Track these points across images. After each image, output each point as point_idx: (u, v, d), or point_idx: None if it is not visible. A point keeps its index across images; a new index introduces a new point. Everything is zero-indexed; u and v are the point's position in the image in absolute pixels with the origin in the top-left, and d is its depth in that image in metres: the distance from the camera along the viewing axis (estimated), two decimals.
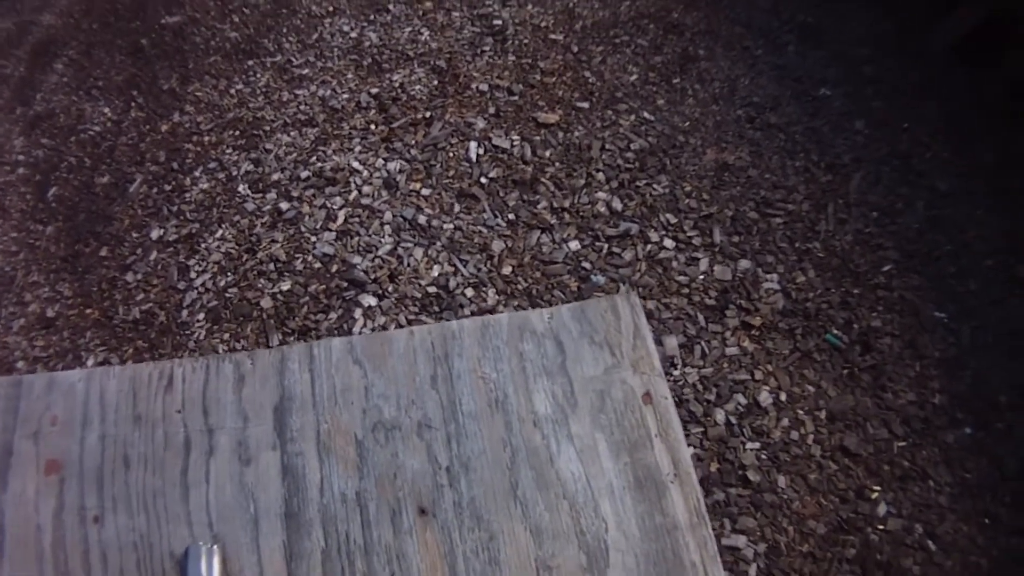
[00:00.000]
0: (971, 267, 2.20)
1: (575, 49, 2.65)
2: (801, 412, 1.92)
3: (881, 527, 1.76)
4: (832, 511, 1.79)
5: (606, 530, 0.91)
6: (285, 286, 2.12)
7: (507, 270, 2.12)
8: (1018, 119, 2.45)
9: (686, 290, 2.09)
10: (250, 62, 2.67)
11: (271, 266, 2.16)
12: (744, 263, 2.15)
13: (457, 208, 2.25)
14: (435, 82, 2.55)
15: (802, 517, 1.78)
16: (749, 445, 1.87)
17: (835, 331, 2.06)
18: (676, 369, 1.98)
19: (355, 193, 2.29)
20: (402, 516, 0.92)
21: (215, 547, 0.88)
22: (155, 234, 2.24)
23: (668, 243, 2.18)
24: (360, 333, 2.02)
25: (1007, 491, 1.82)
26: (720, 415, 1.90)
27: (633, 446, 0.97)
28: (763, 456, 1.85)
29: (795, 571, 1.72)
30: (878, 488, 1.82)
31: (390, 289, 2.10)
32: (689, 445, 1.87)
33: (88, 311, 2.11)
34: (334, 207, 2.27)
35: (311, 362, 1.01)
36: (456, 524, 0.91)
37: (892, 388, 1.97)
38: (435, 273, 2.12)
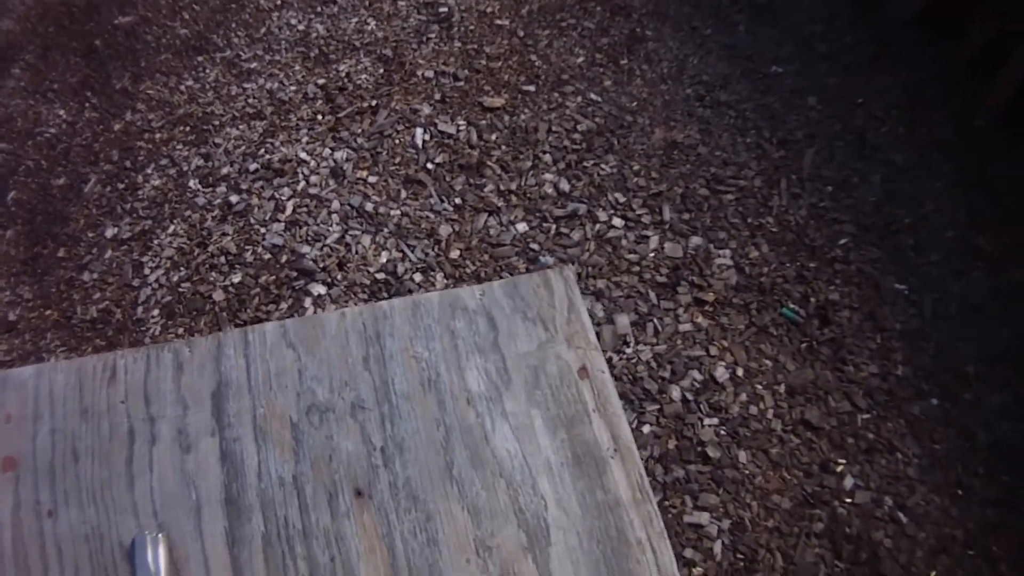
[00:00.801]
0: (931, 240, 2.18)
1: (521, 33, 2.64)
2: (760, 387, 1.89)
3: (849, 500, 1.73)
4: (797, 485, 1.75)
5: (545, 508, 0.90)
6: (236, 278, 2.09)
7: (455, 254, 2.08)
8: (977, 92, 2.44)
9: (636, 268, 2.05)
10: (200, 58, 2.65)
11: (222, 259, 2.14)
12: (695, 240, 2.11)
13: (404, 194, 2.22)
14: (381, 71, 2.53)
15: (766, 492, 1.74)
16: (707, 421, 1.83)
17: (792, 305, 2.02)
18: (629, 347, 1.93)
19: (303, 183, 2.27)
20: (339, 499, 0.91)
21: (160, 536, 0.88)
22: (109, 232, 2.23)
23: (617, 222, 2.14)
24: None
25: (979, 461, 1.79)
26: (676, 392, 1.87)
27: (570, 422, 0.95)
28: (722, 432, 1.82)
29: (762, 546, 1.68)
30: (843, 461, 1.78)
31: (339, 277, 2.07)
32: (645, 423, 1.83)
33: (48, 312, 2.10)
34: (283, 198, 2.25)
35: (246, 347, 1.01)
36: (393, 505, 0.90)
37: (853, 361, 1.94)
38: (383, 259, 2.09)
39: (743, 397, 1.87)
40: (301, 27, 2.70)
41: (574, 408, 0.96)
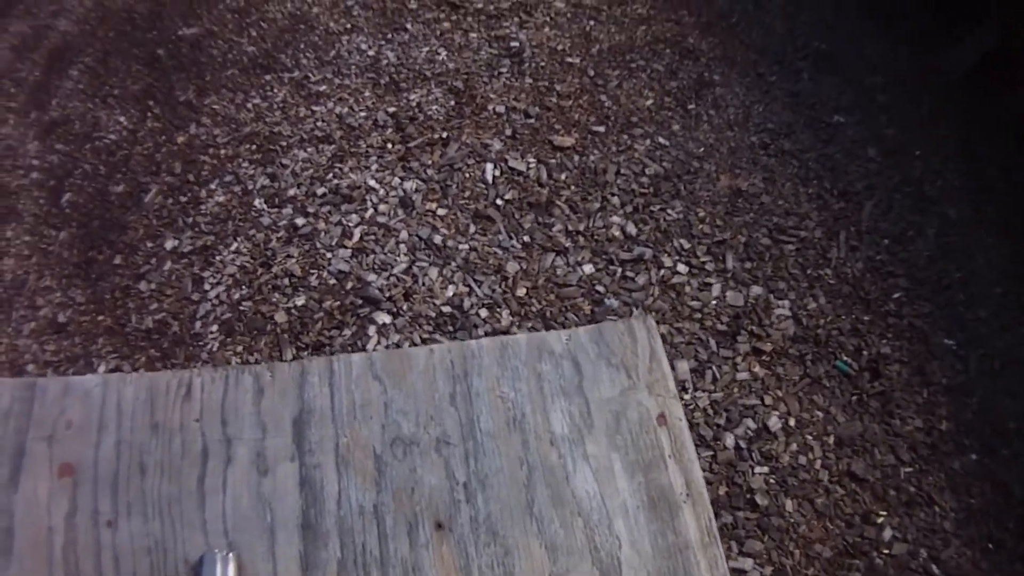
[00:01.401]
0: (980, 295, 2.23)
1: (591, 73, 2.67)
2: (810, 437, 1.94)
3: (886, 552, 1.78)
4: (838, 535, 1.80)
5: (619, 547, 0.93)
6: (300, 301, 2.12)
7: (521, 292, 2.14)
8: None
9: (698, 315, 2.11)
10: (267, 77, 2.69)
11: (286, 281, 2.17)
12: (756, 289, 2.17)
13: (472, 229, 2.27)
14: (452, 102, 2.57)
15: (808, 541, 1.80)
16: (758, 469, 1.88)
17: (845, 357, 2.08)
18: (687, 393, 2.00)
19: (371, 211, 2.31)
20: (419, 530, 0.93)
21: (230, 555, 0.89)
22: (169, 244, 2.25)
23: (681, 268, 2.20)
24: (374, 350, 2.04)
25: (1012, 517, 1.85)
26: (730, 439, 1.92)
27: (647, 466, 0.99)
28: (771, 480, 1.87)
29: None
30: (884, 513, 1.83)
31: (404, 307, 2.11)
32: None
33: (100, 318, 2.11)
34: (350, 224, 2.28)
35: (331, 376, 1.03)
36: (472, 539, 0.93)
37: (900, 414, 1.99)
38: (449, 293, 2.14)
39: (793, 447, 1.92)
40: (371, 53, 2.74)
41: (652, 453, 1.00)
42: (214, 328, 2.09)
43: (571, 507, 0.95)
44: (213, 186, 2.39)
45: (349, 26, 2.84)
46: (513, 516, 0.94)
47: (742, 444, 1.92)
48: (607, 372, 1.05)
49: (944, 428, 1.98)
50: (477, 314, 2.10)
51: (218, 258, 2.22)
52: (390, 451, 0.98)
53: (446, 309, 2.11)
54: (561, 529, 0.94)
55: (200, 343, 2.06)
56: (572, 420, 1.02)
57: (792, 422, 1.96)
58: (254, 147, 2.49)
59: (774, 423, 1.95)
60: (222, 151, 2.48)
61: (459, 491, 0.96)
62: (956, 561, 1.78)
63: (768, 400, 2.00)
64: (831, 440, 1.95)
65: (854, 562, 1.77)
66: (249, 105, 2.61)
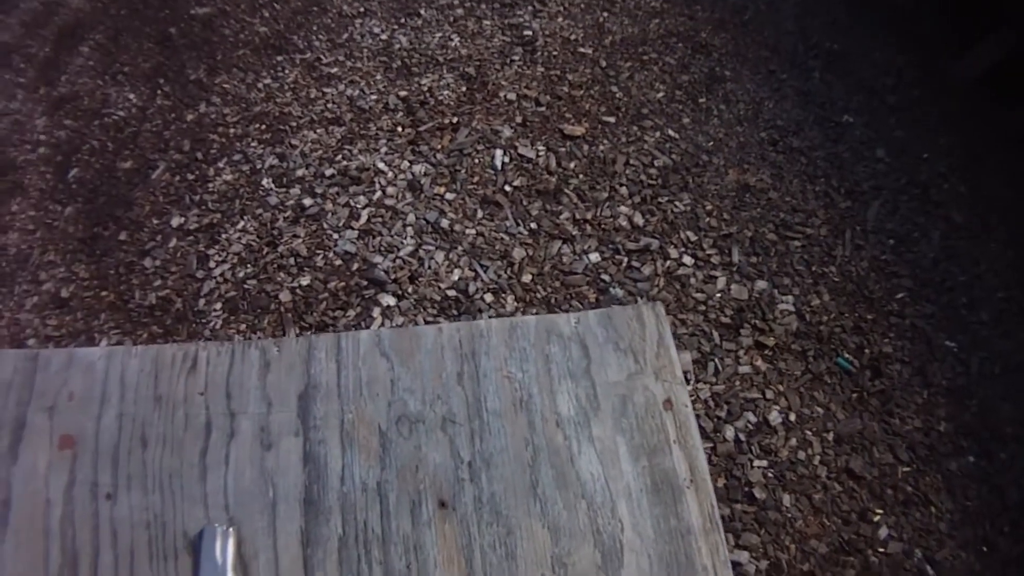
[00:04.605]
0: (983, 299, 2.23)
1: (603, 64, 2.68)
2: (809, 433, 1.95)
3: (881, 550, 1.79)
4: (834, 532, 1.81)
5: (622, 530, 0.93)
6: (305, 281, 2.12)
7: (527, 278, 2.14)
8: None
9: (702, 307, 2.12)
10: (279, 58, 2.68)
11: (291, 260, 2.17)
12: (761, 284, 2.17)
13: (480, 214, 2.27)
14: (463, 88, 2.57)
15: (805, 536, 1.80)
16: (757, 463, 1.89)
17: (846, 355, 2.08)
18: (689, 384, 2.00)
19: (379, 193, 2.31)
20: (422, 508, 0.93)
21: (230, 529, 0.88)
22: (176, 222, 2.25)
23: (687, 260, 2.21)
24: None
25: (1006, 520, 1.86)
26: (730, 432, 1.93)
27: (652, 451, 0.99)
28: (770, 474, 1.88)
29: None
30: (880, 511, 1.84)
31: (410, 290, 2.11)
32: None
33: (103, 293, 2.11)
34: (357, 206, 2.28)
35: (338, 352, 1.02)
36: (475, 518, 0.92)
37: (899, 414, 2.00)
38: (455, 277, 2.14)
39: (793, 442, 1.93)
40: (384, 36, 2.74)
41: (657, 438, 1.00)
42: (218, 306, 2.09)
43: (575, 489, 0.95)
44: (221, 164, 2.39)
45: (363, 9, 2.84)
46: (517, 496, 0.94)
47: (742, 437, 1.92)
48: (615, 356, 1.05)
49: (943, 429, 1.99)
50: (482, 299, 2.10)
51: (224, 236, 2.22)
52: (395, 428, 0.97)
53: (451, 293, 2.11)
54: (564, 510, 0.94)
55: (203, 320, 2.06)
56: (578, 402, 1.01)
57: (792, 417, 1.97)
58: (263, 127, 2.49)
59: (774, 417, 1.96)
60: (231, 130, 2.48)
61: (463, 470, 0.95)
62: (950, 563, 1.79)
63: (769, 394, 2.00)
64: (830, 437, 1.95)
65: (849, 559, 1.77)
66: (260, 85, 2.61)
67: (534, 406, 1.01)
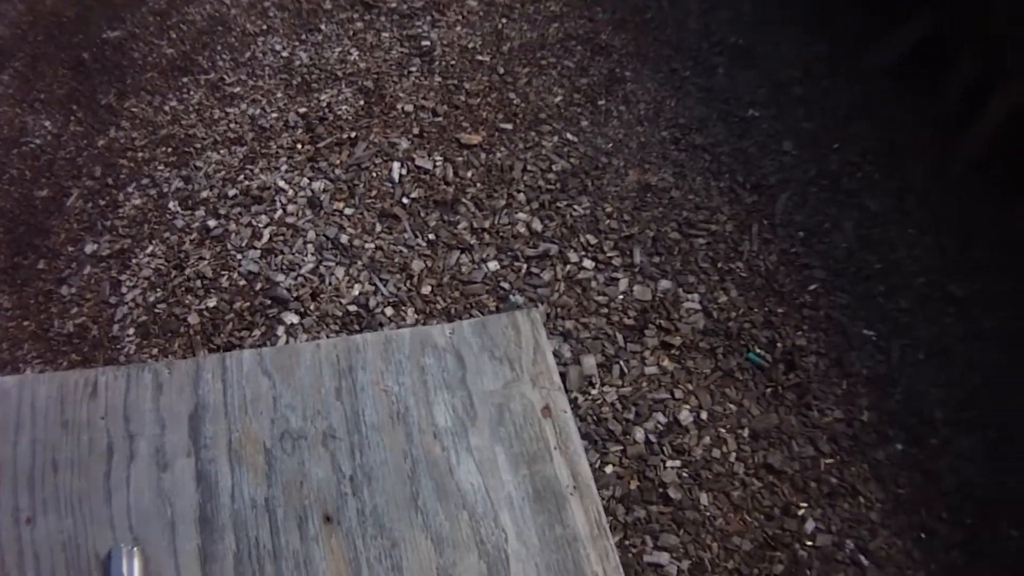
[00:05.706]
0: (902, 286, 2.20)
1: (501, 71, 2.67)
2: (723, 430, 1.91)
3: (810, 543, 1.74)
4: (757, 528, 1.77)
5: (506, 540, 0.94)
6: (211, 303, 2.11)
7: (426, 289, 2.10)
8: (952, 139, 2.47)
9: (605, 310, 2.08)
10: (184, 79, 2.67)
11: (198, 283, 2.16)
12: (664, 283, 2.14)
13: (379, 228, 2.24)
14: (361, 102, 2.55)
15: (726, 534, 1.76)
16: (670, 463, 1.84)
17: (758, 350, 2.04)
18: (594, 388, 1.95)
19: (280, 212, 2.29)
20: (308, 523, 0.95)
21: (135, 549, 0.91)
22: (89, 248, 2.24)
23: (587, 264, 2.17)
24: None
25: (943, 506, 1.81)
26: (640, 433, 1.88)
27: (532, 458, 1.00)
28: (684, 474, 1.83)
29: None
30: (805, 505, 1.80)
31: (312, 307, 2.09)
32: (608, 463, 1.85)
33: (26, 323, 2.10)
34: (259, 225, 2.26)
35: (224, 372, 1.05)
36: (360, 531, 0.94)
37: (818, 406, 1.96)
38: (356, 292, 2.11)
39: (706, 440, 1.88)
40: (285, 54, 2.73)
41: (536, 445, 1.01)
42: (131, 331, 2.08)
43: (455, 500, 0.97)
44: (130, 189, 2.38)
45: (265, 27, 2.83)
46: (399, 509, 0.96)
47: (652, 438, 1.88)
48: (490, 365, 1.07)
49: (866, 419, 1.95)
50: (383, 312, 2.07)
51: (134, 261, 2.21)
52: (279, 445, 1.00)
53: (352, 308, 2.08)
54: (446, 521, 0.95)
55: (118, 346, 2.06)
56: (455, 413, 1.03)
57: (704, 415, 1.93)
58: (170, 150, 2.48)
59: (685, 417, 1.92)
60: (140, 154, 2.47)
61: (346, 484, 0.97)
62: (886, 551, 1.74)
63: (678, 394, 1.96)
64: (745, 433, 1.91)
65: (776, 554, 1.73)
66: (166, 107, 2.59)
67: (411, 418, 1.02)
